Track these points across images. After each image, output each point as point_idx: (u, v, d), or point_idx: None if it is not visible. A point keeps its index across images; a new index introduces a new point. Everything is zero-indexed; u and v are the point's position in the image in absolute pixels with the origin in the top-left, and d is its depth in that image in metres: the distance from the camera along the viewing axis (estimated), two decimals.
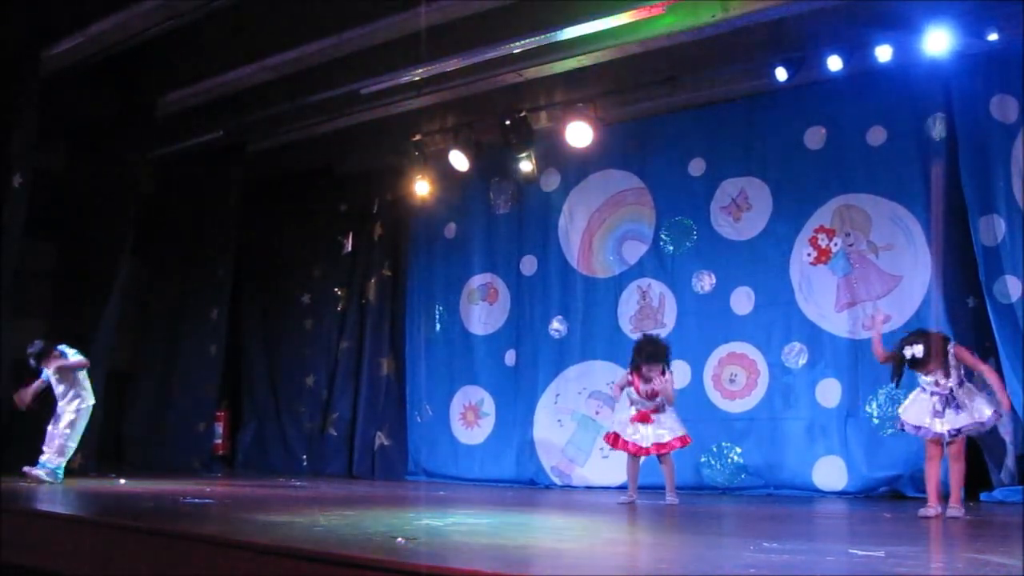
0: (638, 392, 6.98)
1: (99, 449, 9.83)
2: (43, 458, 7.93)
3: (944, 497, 5.83)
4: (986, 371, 5.90)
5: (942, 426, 5.63)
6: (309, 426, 11.09)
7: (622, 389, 7.23)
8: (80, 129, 10.19)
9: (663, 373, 6.95)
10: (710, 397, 8.63)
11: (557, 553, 3.77)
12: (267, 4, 8.21)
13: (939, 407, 5.65)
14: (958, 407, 5.61)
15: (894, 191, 8.05)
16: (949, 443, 5.73)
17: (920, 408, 5.76)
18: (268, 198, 11.79)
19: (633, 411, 6.98)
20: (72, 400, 8.09)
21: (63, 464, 8.02)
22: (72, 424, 8.04)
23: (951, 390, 5.66)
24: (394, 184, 10.76)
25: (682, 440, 6.93)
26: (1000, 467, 7.19)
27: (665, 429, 6.88)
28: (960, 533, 4.98)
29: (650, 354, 6.99)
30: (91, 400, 8.22)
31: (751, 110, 8.78)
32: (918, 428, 5.75)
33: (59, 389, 8.12)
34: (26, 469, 7.81)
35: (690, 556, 3.77)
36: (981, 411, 5.58)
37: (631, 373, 7.05)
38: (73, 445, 8.09)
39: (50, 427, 8.04)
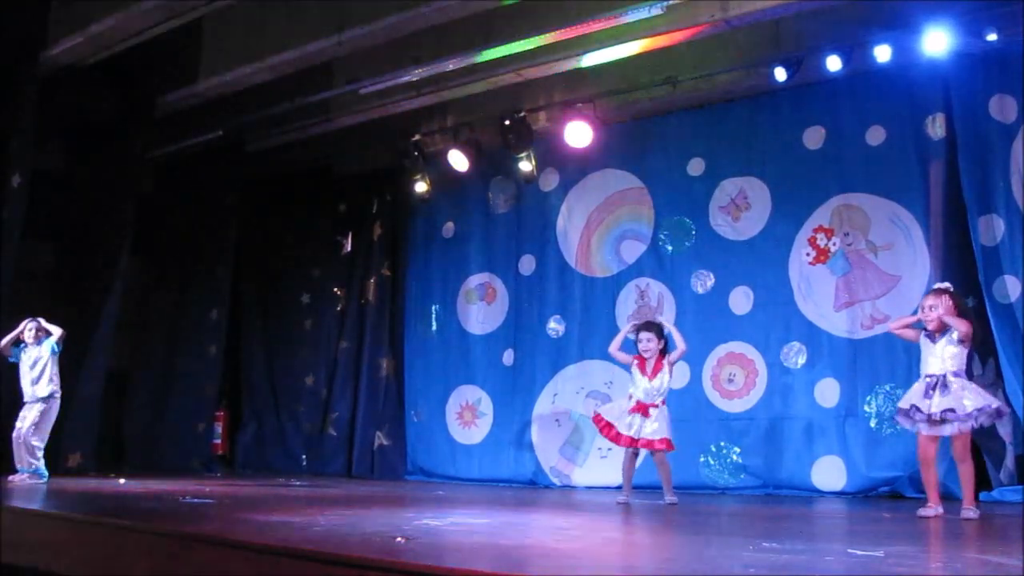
0: (642, 371, 6.98)
1: (99, 449, 9.84)
2: (21, 464, 7.90)
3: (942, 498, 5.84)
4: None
5: (928, 407, 5.62)
6: (308, 426, 11.09)
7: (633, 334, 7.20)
8: (80, 129, 10.19)
9: (660, 347, 6.97)
10: (709, 397, 8.63)
11: (557, 553, 3.77)
12: (267, 4, 8.22)
13: (930, 389, 5.66)
14: (946, 389, 5.62)
15: (893, 191, 8.05)
16: (951, 443, 5.72)
17: (914, 392, 5.78)
18: (268, 198, 11.81)
19: (633, 402, 6.97)
20: (47, 385, 8.02)
21: (41, 461, 7.97)
22: (37, 423, 7.96)
23: (945, 375, 5.67)
24: (393, 184, 10.77)
25: (666, 443, 6.81)
26: (1000, 467, 7.20)
27: (658, 426, 6.80)
28: (960, 533, 4.98)
29: (643, 325, 7.16)
30: (58, 391, 8.13)
31: (750, 110, 8.78)
32: (907, 412, 5.73)
33: (32, 373, 8.04)
34: (10, 478, 7.78)
35: (690, 556, 3.77)
36: (963, 404, 5.57)
37: (635, 357, 7.07)
38: (42, 442, 8.01)
39: (14, 434, 7.97)
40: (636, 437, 6.80)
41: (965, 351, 5.76)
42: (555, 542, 4.21)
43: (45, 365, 8.09)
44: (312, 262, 11.52)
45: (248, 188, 11.62)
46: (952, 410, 5.55)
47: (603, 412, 7.12)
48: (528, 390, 9.69)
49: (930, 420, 5.64)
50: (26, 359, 8.15)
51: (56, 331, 8.17)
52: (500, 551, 3.65)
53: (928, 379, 5.72)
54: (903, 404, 5.82)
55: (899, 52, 7.50)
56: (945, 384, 5.63)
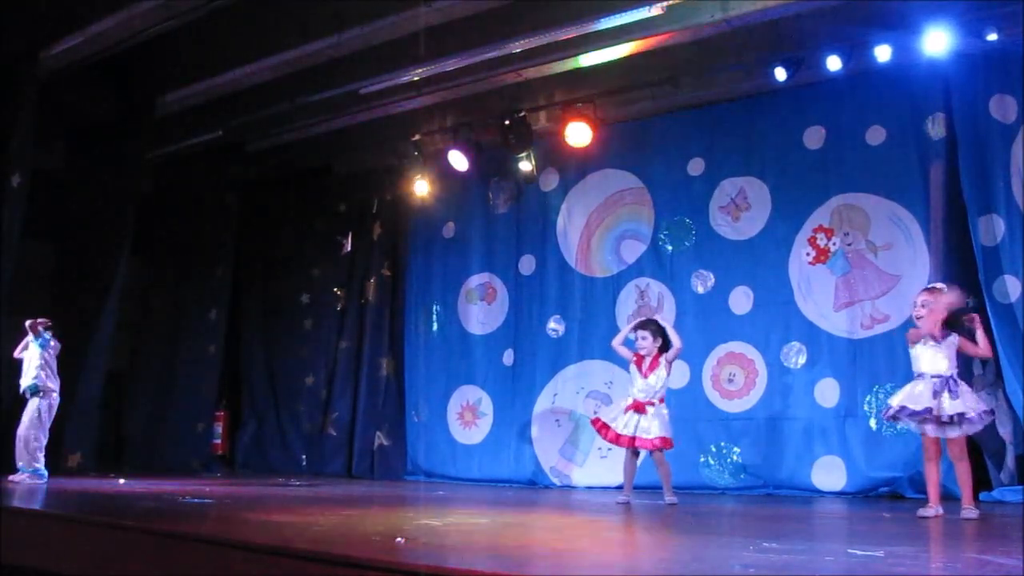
0: (638, 367, 7.00)
1: (99, 449, 9.86)
2: (20, 464, 8.00)
3: (942, 497, 5.83)
4: (980, 341, 5.84)
5: (939, 409, 5.59)
6: (308, 426, 11.09)
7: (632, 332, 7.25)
8: (79, 129, 10.20)
9: (657, 345, 6.98)
10: (709, 397, 8.63)
11: (557, 553, 3.77)
12: (267, 4, 8.21)
13: (938, 390, 5.63)
14: (954, 393, 5.61)
15: (893, 191, 8.05)
16: (949, 444, 5.70)
17: (920, 393, 5.72)
18: (267, 198, 11.81)
19: (630, 400, 6.99)
20: (30, 378, 8.14)
21: (40, 462, 8.04)
22: (34, 422, 8.06)
23: (952, 376, 5.67)
24: (393, 184, 10.76)
25: (663, 441, 6.81)
26: (1000, 467, 7.20)
27: (656, 425, 6.80)
28: (960, 533, 4.98)
29: (640, 324, 7.20)
30: (42, 384, 8.19)
31: (750, 110, 8.78)
32: (917, 413, 5.67)
33: (42, 369, 8.17)
34: (11, 478, 7.86)
35: (690, 556, 3.77)
36: (970, 407, 5.57)
37: (634, 355, 7.10)
38: (38, 438, 8.08)
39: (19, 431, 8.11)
40: (634, 435, 6.81)
41: (957, 355, 5.81)
42: (555, 542, 4.21)
43: (31, 359, 8.24)
44: (312, 262, 11.50)
45: (248, 188, 11.64)
46: (963, 414, 5.55)
47: (601, 414, 7.18)
48: (528, 390, 9.69)
49: (939, 422, 5.62)
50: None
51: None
52: (500, 551, 3.65)
53: (935, 380, 5.67)
54: (914, 406, 5.69)
55: (899, 52, 7.50)
56: (952, 386, 5.62)
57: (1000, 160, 7.46)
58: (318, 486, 8.51)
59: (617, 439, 6.90)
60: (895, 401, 5.85)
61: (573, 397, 9.41)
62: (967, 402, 5.60)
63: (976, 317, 5.89)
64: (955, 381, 5.68)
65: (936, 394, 5.63)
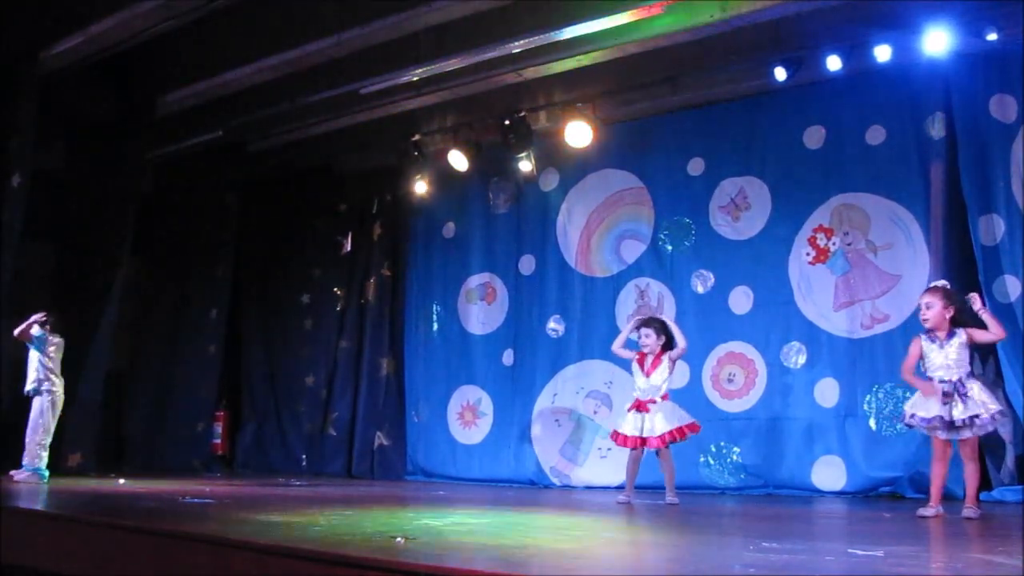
0: (640, 366, 6.99)
1: (99, 449, 9.85)
2: (24, 461, 8.04)
3: (943, 497, 5.82)
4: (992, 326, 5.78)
5: (950, 414, 5.56)
6: (308, 426, 11.10)
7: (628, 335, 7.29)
8: (80, 129, 10.20)
9: (660, 343, 6.98)
10: (708, 397, 8.63)
11: (557, 553, 3.77)
12: (267, 4, 8.22)
13: (947, 396, 5.59)
14: (966, 397, 5.59)
15: (893, 190, 8.05)
16: (961, 443, 5.68)
17: (930, 403, 5.69)
18: (268, 198, 11.81)
19: (632, 400, 6.99)
20: (31, 381, 8.19)
21: (43, 463, 8.08)
22: (36, 421, 8.11)
23: (960, 379, 5.64)
24: (393, 184, 10.76)
25: (680, 431, 6.79)
26: (1000, 467, 7.19)
27: (661, 420, 6.78)
28: (960, 533, 4.98)
29: (643, 321, 7.19)
30: (43, 385, 8.22)
31: (750, 110, 8.78)
32: (927, 420, 5.65)
33: (40, 370, 8.21)
34: (12, 473, 7.92)
35: (690, 556, 3.77)
36: (987, 408, 5.55)
37: (636, 353, 7.10)
38: (46, 440, 8.14)
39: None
40: (641, 436, 6.80)
41: (968, 350, 5.75)
42: (555, 542, 4.21)
43: (31, 361, 8.27)
44: (312, 262, 11.51)
45: (248, 188, 11.64)
46: (977, 416, 5.53)
47: (616, 427, 7.14)
48: (528, 390, 9.69)
49: (950, 427, 5.60)
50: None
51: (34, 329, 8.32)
52: (500, 551, 3.65)
53: (943, 385, 5.64)
54: (924, 413, 5.66)
55: (899, 52, 7.49)
56: (963, 391, 5.59)
57: (1000, 160, 7.46)
58: (318, 486, 8.51)
59: (626, 441, 6.90)
60: (909, 407, 5.83)
61: (573, 397, 9.41)
62: (979, 403, 5.56)
63: (976, 296, 5.83)
64: (963, 383, 5.62)
65: (945, 399, 5.60)
